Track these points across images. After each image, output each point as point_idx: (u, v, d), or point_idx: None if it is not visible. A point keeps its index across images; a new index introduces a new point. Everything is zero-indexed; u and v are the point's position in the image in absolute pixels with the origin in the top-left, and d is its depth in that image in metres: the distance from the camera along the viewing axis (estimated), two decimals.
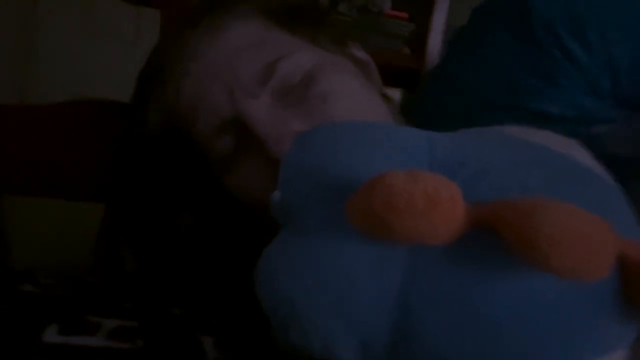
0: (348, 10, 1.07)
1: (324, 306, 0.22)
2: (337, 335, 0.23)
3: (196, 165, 0.45)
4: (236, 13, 0.44)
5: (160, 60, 0.45)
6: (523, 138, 0.27)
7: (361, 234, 0.21)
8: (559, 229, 0.19)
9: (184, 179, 0.46)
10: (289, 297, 0.23)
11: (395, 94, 0.93)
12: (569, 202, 0.21)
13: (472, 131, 0.29)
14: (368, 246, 0.22)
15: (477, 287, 0.22)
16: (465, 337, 0.22)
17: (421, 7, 1.11)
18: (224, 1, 0.46)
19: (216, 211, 0.50)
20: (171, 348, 0.37)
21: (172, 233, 0.50)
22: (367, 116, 0.40)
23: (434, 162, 0.25)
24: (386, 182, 0.20)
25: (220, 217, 0.50)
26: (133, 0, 1.00)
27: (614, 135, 0.40)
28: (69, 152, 0.54)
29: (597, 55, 0.39)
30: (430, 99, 0.49)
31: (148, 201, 0.49)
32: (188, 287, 0.50)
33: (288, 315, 0.23)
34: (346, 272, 0.22)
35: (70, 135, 0.55)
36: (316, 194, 0.25)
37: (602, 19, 0.39)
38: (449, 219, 0.20)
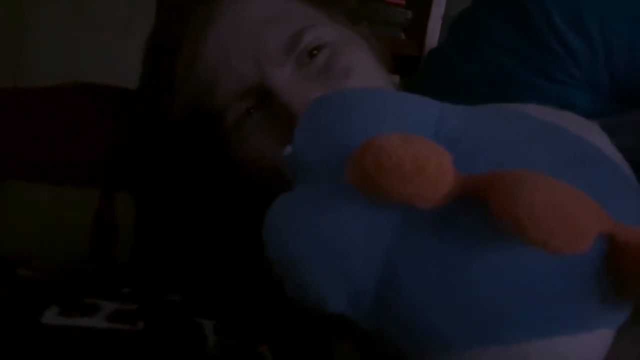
0: None
1: (319, 258, 0.24)
2: (330, 286, 0.24)
3: (211, 147, 0.44)
4: None
5: (175, 34, 0.44)
6: (539, 117, 0.28)
7: (358, 193, 0.22)
8: (539, 201, 0.19)
9: (200, 164, 0.46)
10: (288, 248, 0.24)
11: (395, 80, 0.93)
12: (566, 181, 0.21)
13: (488, 107, 0.30)
14: (364, 206, 0.23)
15: (458, 253, 0.23)
16: (442, 299, 0.23)
17: None
18: None
19: (221, 198, 0.50)
20: (172, 330, 0.37)
21: (175, 218, 0.50)
22: None
23: (440, 133, 0.26)
24: (378, 143, 0.21)
25: (223, 204, 0.50)
26: None
27: (612, 128, 0.39)
28: (67, 136, 0.53)
29: (596, 48, 0.38)
30: (427, 85, 0.49)
31: (167, 188, 0.50)
32: (188, 272, 0.49)
33: (287, 264, 0.25)
34: (342, 229, 0.24)
35: (68, 119, 0.54)
36: (323, 154, 0.26)
37: (600, 10, 0.39)
38: (435, 184, 0.21)
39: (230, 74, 0.41)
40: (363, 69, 0.42)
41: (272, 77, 0.40)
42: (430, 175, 0.20)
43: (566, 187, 0.21)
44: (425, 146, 0.21)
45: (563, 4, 0.39)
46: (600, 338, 0.24)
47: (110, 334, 0.34)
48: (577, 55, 0.39)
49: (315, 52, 0.41)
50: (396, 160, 0.20)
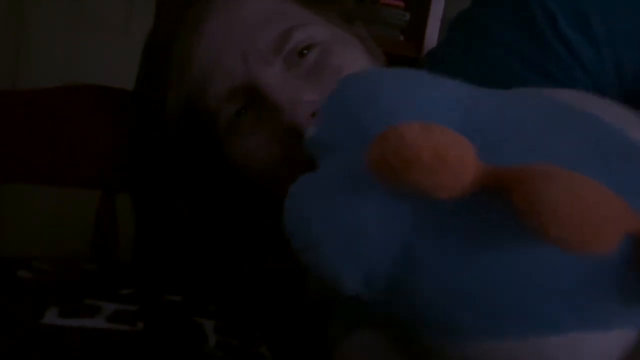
0: None
1: (336, 240, 0.24)
2: (345, 266, 0.24)
3: (208, 147, 0.44)
4: None
5: (170, 35, 0.45)
6: (577, 105, 0.27)
7: (377, 180, 0.22)
8: (563, 198, 0.19)
9: (197, 164, 0.46)
10: (307, 226, 0.24)
11: None
12: (596, 177, 0.20)
13: (520, 92, 0.29)
14: (384, 193, 0.23)
15: (477, 243, 0.22)
16: (458, 288, 0.23)
17: None
18: None
19: (220, 198, 0.50)
20: (172, 330, 0.37)
21: (180, 220, 0.50)
22: None
23: (466, 119, 0.25)
24: (399, 132, 0.21)
25: (223, 204, 0.50)
26: None
27: None
28: (67, 138, 0.53)
29: (602, 51, 0.37)
30: None
31: (165, 188, 0.49)
32: (189, 273, 0.49)
33: (305, 242, 0.25)
34: (360, 214, 0.24)
35: (68, 120, 0.54)
36: (347, 135, 0.26)
37: (607, 12, 0.37)
38: (455, 175, 0.20)
39: (220, 73, 0.41)
40: (354, 68, 0.41)
41: (260, 75, 0.40)
42: (450, 166, 0.20)
43: (594, 185, 0.20)
44: (446, 136, 0.21)
45: (567, 6, 0.38)
46: (620, 338, 0.23)
47: (111, 335, 0.34)
48: (583, 59, 0.38)
49: (305, 51, 0.41)
50: (416, 150, 0.20)
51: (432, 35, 1.08)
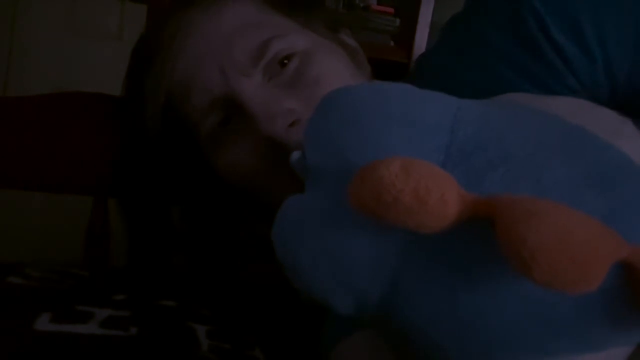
0: (334, 5, 1.08)
1: (324, 271, 0.24)
2: (334, 294, 0.24)
3: (190, 152, 0.45)
4: None
5: (152, 45, 0.45)
6: (567, 116, 0.26)
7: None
8: (546, 241, 0.18)
9: (180, 168, 0.46)
10: (294, 257, 0.24)
11: None
12: (586, 203, 0.20)
13: (510, 105, 0.28)
14: (370, 225, 0.23)
15: (463, 276, 0.22)
16: (446, 322, 0.23)
17: (407, 1, 1.12)
18: None
19: (210, 204, 0.50)
20: (165, 336, 0.37)
21: (164, 226, 0.50)
22: None
23: (453, 144, 0.25)
24: (377, 174, 0.20)
25: (213, 210, 0.50)
26: None
27: None
28: (59, 145, 0.53)
29: (595, 59, 0.37)
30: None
31: (152, 195, 0.49)
32: (181, 279, 0.49)
33: (293, 271, 0.25)
34: (347, 247, 0.23)
35: (60, 127, 0.54)
36: (331, 160, 0.25)
37: (600, 19, 0.36)
38: (437, 217, 0.20)
39: (199, 87, 0.41)
40: (335, 77, 0.41)
41: (238, 87, 0.40)
42: (431, 209, 0.20)
43: (580, 220, 0.19)
44: (426, 177, 0.20)
45: (559, 13, 0.37)
46: (612, 355, 0.23)
47: (104, 340, 0.34)
48: (576, 67, 0.37)
49: (286, 61, 0.41)
50: (395, 195, 0.20)
51: (421, 40, 1.10)
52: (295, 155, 0.28)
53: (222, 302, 0.46)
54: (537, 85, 0.38)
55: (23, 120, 0.53)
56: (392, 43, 1.14)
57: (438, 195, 0.20)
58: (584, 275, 0.19)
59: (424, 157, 0.23)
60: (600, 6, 0.37)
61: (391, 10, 1.13)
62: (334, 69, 0.42)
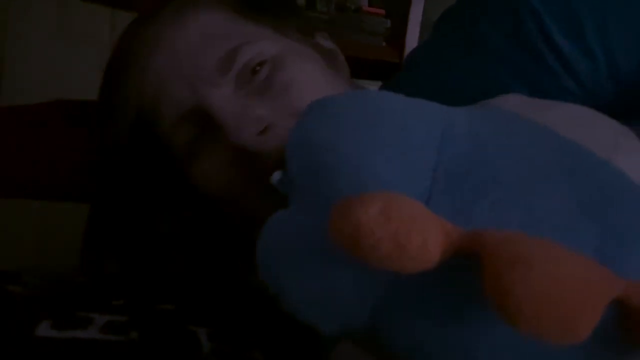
0: (325, 8, 1.08)
1: (308, 300, 0.24)
2: (319, 319, 0.24)
3: (167, 164, 0.43)
4: (198, 3, 0.43)
5: (120, 60, 0.44)
6: (562, 130, 0.25)
7: None
8: (533, 293, 0.18)
9: (159, 179, 0.45)
10: (278, 283, 0.24)
11: (376, 86, 0.95)
12: (575, 234, 0.20)
13: (501, 119, 0.27)
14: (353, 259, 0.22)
15: (449, 312, 0.22)
16: (431, 354, 0.23)
17: (398, 2, 1.13)
18: None
19: (194, 210, 0.49)
20: (166, 339, 0.37)
21: (152, 233, 0.50)
22: None
23: (440, 165, 0.24)
24: (355, 217, 0.19)
25: (198, 215, 0.50)
26: (108, 3, 0.99)
27: None
28: (53, 152, 0.53)
29: (598, 62, 0.35)
30: (409, 86, 0.49)
31: (127, 203, 0.49)
32: (178, 282, 0.49)
33: (279, 294, 0.24)
34: (331, 274, 0.23)
35: (50, 136, 0.54)
36: (313, 179, 0.24)
37: (603, 20, 0.35)
38: (418, 262, 0.19)
39: (167, 102, 0.41)
40: (308, 82, 0.40)
41: (206, 98, 0.39)
42: (412, 255, 0.19)
43: (569, 262, 0.19)
44: (407, 222, 0.19)
45: (559, 13, 0.36)
46: None
47: (104, 345, 0.34)
48: (576, 69, 0.36)
49: (258, 68, 0.40)
50: (373, 242, 0.19)
51: (413, 40, 1.11)
52: (276, 176, 0.27)
53: (221, 304, 0.46)
54: (532, 87, 0.37)
55: (14, 129, 0.53)
56: (384, 44, 1.15)
57: (419, 242, 0.19)
58: (572, 329, 0.18)
59: (409, 182, 0.23)
60: (603, 5, 0.36)
61: (382, 11, 1.14)
62: (307, 74, 0.41)
